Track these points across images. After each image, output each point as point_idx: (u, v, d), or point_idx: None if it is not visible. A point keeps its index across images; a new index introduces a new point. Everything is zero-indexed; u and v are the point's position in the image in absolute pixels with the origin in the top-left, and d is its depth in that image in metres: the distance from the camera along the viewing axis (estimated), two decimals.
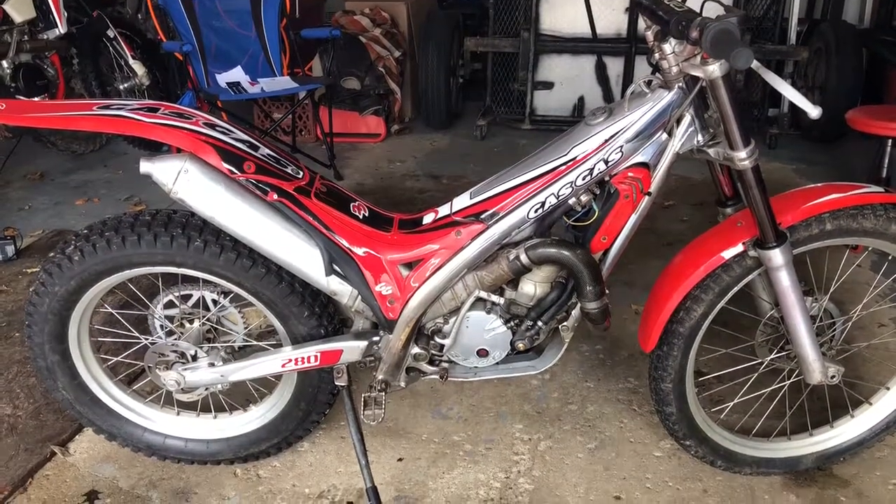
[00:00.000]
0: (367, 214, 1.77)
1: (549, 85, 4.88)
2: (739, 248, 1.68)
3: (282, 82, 4.07)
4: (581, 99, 4.90)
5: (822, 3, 5.16)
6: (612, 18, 4.68)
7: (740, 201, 1.77)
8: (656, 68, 1.61)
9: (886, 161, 3.31)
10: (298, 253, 1.67)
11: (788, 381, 1.91)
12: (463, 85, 5.24)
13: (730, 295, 1.75)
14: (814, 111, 1.37)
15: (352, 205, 1.77)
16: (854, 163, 4.19)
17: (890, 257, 1.81)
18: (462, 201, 1.73)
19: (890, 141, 3.25)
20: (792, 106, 4.94)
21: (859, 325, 2.42)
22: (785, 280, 1.66)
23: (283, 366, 1.78)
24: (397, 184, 4.20)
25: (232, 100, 3.96)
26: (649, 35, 1.58)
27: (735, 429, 2.01)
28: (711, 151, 1.60)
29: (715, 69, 1.43)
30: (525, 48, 4.69)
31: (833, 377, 1.78)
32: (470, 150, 4.74)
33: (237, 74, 4.08)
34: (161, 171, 1.61)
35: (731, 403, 1.99)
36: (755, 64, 1.34)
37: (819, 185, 1.75)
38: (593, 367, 2.45)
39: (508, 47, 4.77)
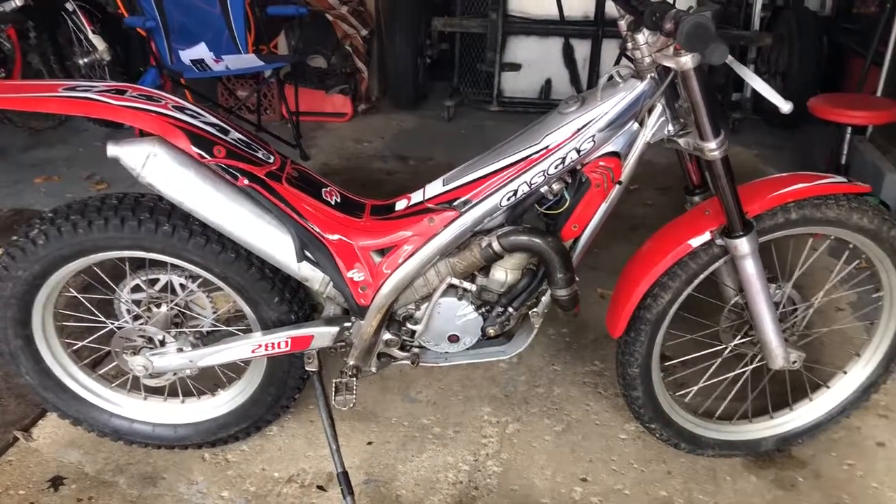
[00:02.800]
0: (339, 200, 1.76)
1: (516, 66, 4.87)
2: (707, 236, 1.71)
3: (247, 60, 4.00)
4: (548, 81, 4.91)
5: None
6: (579, 1, 4.69)
7: (708, 190, 1.80)
8: (629, 58, 1.61)
9: (846, 148, 3.39)
10: (269, 239, 1.66)
11: (751, 366, 1.96)
12: (430, 65, 5.21)
13: (696, 282, 1.78)
14: (785, 106, 1.40)
15: (324, 190, 1.76)
16: (815, 148, 4.26)
17: (851, 245, 1.86)
18: (435, 188, 1.73)
19: (849, 128, 3.33)
20: (755, 91, 5.01)
21: (819, 310, 2.47)
22: (750, 268, 1.69)
23: (253, 351, 1.77)
24: (364, 164, 4.17)
25: (196, 77, 3.89)
26: (622, 24, 1.59)
27: (699, 412, 2.05)
28: (682, 141, 1.62)
29: (687, 61, 1.44)
30: (493, 29, 4.68)
31: (794, 362, 1.83)
32: (437, 131, 4.73)
33: (201, 51, 4.01)
34: (129, 154, 1.58)
35: (696, 388, 2.03)
36: (729, 59, 1.36)
37: (785, 174, 1.79)
38: (560, 351, 2.48)
39: (476, 28, 4.75)
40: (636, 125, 1.61)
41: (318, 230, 1.68)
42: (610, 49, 4.65)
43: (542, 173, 1.63)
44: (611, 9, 4.65)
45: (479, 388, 2.29)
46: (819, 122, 4.62)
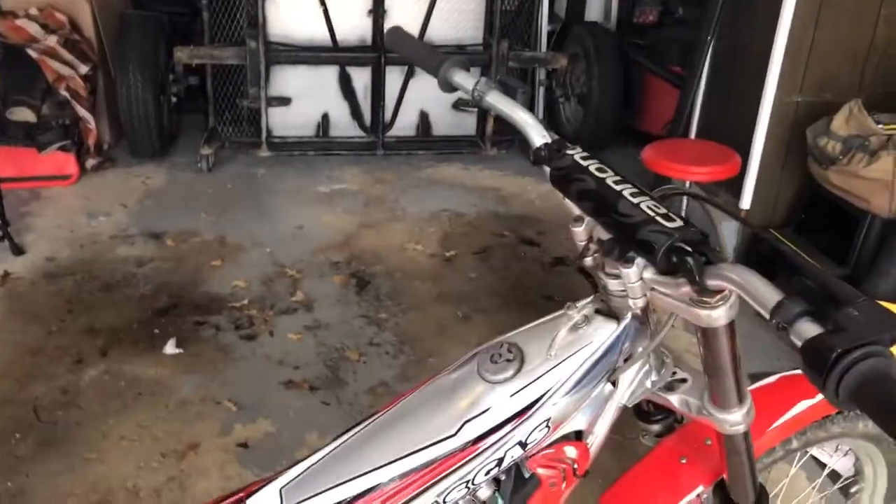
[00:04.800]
0: None
1: (285, 101, 4.06)
2: (693, 500, 1.14)
3: None
4: (326, 116, 4.16)
5: (566, 1, 4.87)
6: (353, 24, 3.95)
7: (670, 414, 1.22)
8: (585, 273, 0.97)
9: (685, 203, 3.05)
10: None
11: None
12: (178, 102, 4.20)
13: None
14: None
15: None
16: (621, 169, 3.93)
17: (848, 450, 1.39)
18: None
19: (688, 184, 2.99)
20: (548, 114, 4.64)
21: None
22: None
23: None
24: (105, 253, 3.17)
25: None
26: (579, 232, 0.93)
27: None
28: (675, 399, 1.02)
29: (722, 315, 0.83)
30: (253, 59, 3.81)
31: None
32: (196, 187, 3.79)
33: None
34: None
35: None
36: None
37: (776, 381, 1.25)
38: None
39: (232, 58, 3.86)
40: (608, 386, 0.98)
41: None
42: (393, 76, 3.98)
43: (464, 483, 0.95)
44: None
45: None
46: (621, 144, 4.39)
